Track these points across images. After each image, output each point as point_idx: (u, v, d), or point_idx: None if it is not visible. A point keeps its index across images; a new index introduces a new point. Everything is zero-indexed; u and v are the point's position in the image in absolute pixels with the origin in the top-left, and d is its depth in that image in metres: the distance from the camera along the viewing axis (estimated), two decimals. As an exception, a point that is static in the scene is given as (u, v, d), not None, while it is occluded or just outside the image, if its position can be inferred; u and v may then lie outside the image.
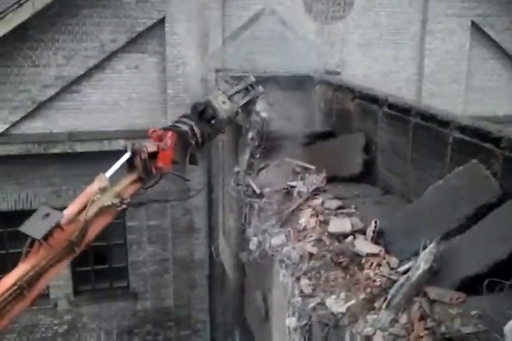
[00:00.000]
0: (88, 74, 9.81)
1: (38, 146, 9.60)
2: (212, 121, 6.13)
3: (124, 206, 5.24)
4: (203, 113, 6.20)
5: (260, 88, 7.02)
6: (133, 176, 5.43)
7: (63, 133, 9.83)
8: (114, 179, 5.31)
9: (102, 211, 5.05)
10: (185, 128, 5.91)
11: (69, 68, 9.63)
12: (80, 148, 9.75)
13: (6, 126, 9.59)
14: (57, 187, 10.04)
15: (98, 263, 10.99)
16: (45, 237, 4.66)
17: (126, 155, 5.39)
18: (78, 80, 9.78)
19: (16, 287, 4.53)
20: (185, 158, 5.84)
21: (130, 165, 5.45)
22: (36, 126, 9.81)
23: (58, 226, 4.72)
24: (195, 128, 5.91)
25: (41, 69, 9.54)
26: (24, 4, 8.72)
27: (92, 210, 4.96)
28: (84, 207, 4.93)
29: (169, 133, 5.67)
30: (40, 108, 9.74)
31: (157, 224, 10.82)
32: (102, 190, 5.07)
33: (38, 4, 8.84)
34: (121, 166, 5.39)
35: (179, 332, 11.37)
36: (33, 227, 4.69)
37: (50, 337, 10.76)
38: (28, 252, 4.74)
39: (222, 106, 6.39)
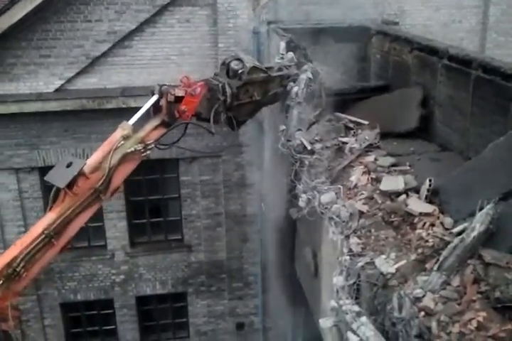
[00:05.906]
0: (140, 28, 9.77)
1: (92, 102, 9.74)
2: (240, 71, 6.07)
3: (148, 152, 5.26)
4: (232, 70, 6.17)
5: (293, 70, 7.01)
6: (157, 120, 5.45)
7: (116, 89, 9.93)
8: (138, 126, 5.33)
9: (125, 157, 5.09)
10: (216, 82, 5.94)
11: (121, 23, 9.61)
12: (133, 103, 9.77)
13: (62, 82, 9.78)
14: (112, 142, 10.23)
15: (153, 216, 11.29)
16: (69, 186, 4.71)
17: (154, 98, 5.41)
18: (130, 35, 9.77)
19: (43, 235, 4.64)
20: (210, 113, 5.82)
21: (155, 108, 5.48)
22: (90, 82, 9.95)
23: (82, 174, 4.77)
24: (227, 87, 5.92)
25: (93, 24, 9.57)
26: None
27: (115, 157, 5.00)
28: (108, 155, 4.97)
29: (200, 83, 5.73)
30: (93, 64, 9.83)
31: (210, 178, 10.93)
32: (125, 138, 5.10)
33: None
34: (147, 111, 5.42)
35: (232, 283, 11.66)
36: (57, 176, 4.75)
37: (108, 286, 11.26)
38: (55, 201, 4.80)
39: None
